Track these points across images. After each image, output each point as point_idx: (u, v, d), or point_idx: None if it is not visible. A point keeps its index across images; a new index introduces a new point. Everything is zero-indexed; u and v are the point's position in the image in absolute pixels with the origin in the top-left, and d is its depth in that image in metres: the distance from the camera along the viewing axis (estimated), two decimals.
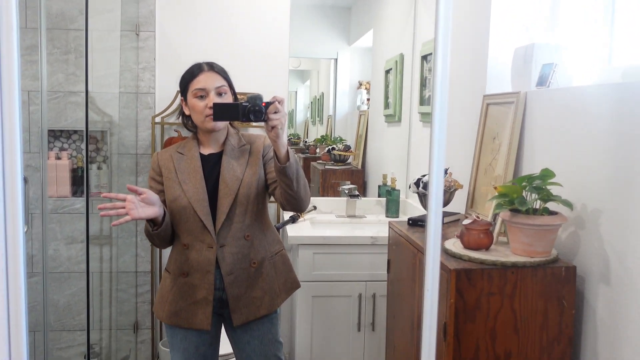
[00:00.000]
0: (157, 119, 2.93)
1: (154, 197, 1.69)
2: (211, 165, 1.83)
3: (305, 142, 4.35)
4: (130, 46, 2.89)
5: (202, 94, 1.76)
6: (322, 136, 4.18)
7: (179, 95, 1.87)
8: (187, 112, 1.85)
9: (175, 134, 2.92)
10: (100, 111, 2.93)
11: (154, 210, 1.68)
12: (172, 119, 2.91)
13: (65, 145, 2.98)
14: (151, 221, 1.73)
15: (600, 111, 1.48)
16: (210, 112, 1.74)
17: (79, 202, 2.90)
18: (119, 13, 2.87)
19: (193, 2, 2.94)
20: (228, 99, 1.81)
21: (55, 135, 2.96)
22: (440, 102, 0.95)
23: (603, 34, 1.86)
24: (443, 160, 0.97)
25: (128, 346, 2.99)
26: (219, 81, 1.79)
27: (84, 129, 2.35)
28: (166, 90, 2.91)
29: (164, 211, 1.75)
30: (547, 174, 1.51)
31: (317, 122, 4.36)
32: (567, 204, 1.51)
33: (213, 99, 1.75)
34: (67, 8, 2.86)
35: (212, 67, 1.82)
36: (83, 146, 2.94)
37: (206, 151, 1.86)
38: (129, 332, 2.98)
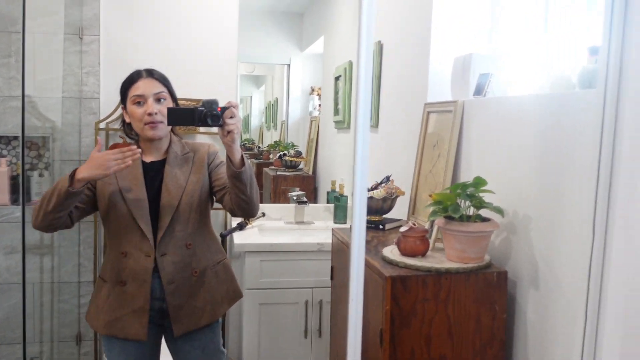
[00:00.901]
0: (102, 125, 2.87)
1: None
2: (153, 173, 1.81)
3: (259, 147, 4.34)
4: (74, 50, 2.82)
5: (140, 100, 1.74)
6: (275, 142, 4.18)
7: None
8: (127, 120, 1.83)
9: (120, 140, 2.86)
10: (42, 116, 2.85)
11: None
12: (117, 125, 2.85)
13: (5, 152, 2.89)
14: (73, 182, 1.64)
15: (530, 120, 1.52)
16: (149, 119, 1.73)
17: (19, 211, 2.80)
18: (62, 15, 2.80)
19: (139, 6, 2.89)
20: (167, 105, 1.78)
21: None
22: (363, 115, 0.96)
23: (538, 46, 1.92)
24: (366, 176, 0.98)
25: (71, 358, 2.91)
26: (158, 87, 1.77)
27: (21, 135, 2.28)
28: (111, 96, 2.85)
29: (85, 192, 1.72)
30: (479, 182, 1.55)
31: (272, 127, 4.36)
32: (499, 210, 1.54)
33: (151, 105, 1.73)
34: (8, 10, 2.77)
35: (151, 73, 1.80)
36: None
37: (148, 159, 1.83)
38: (71, 344, 2.90)
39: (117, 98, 2.80)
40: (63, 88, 2.83)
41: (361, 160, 0.96)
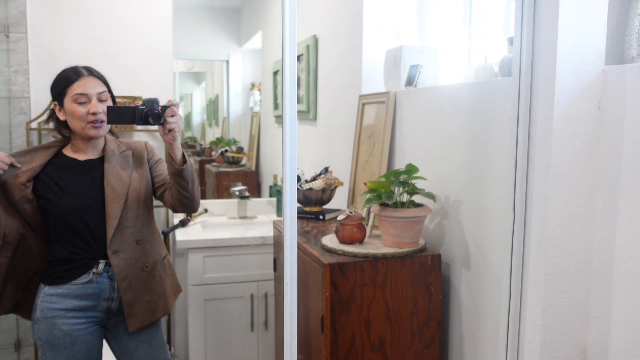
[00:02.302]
0: (33, 125, 2.79)
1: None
2: (92, 171, 1.78)
3: (201, 145, 4.31)
4: (0, 48, 2.72)
5: (84, 100, 1.70)
6: (217, 138, 4.15)
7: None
8: (62, 118, 1.78)
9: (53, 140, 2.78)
10: None
11: None
12: (51, 125, 2.77)
13: None
14: None
15: (457, 108, 1.59)
16: (94, 118, 1.70)
17: None
18: None
19: (67, 2, 2.81)
20: (108, 104, 1.76)
21: None
22: (289, 106, 0.99)
23: (463, 38, 2.01)
24: (295, 163, 1.01)
25: None
26: (100, 87, 1.74)
27: None
28: (42, 95, 2.76)
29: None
30: (411, 169, 1.61)
31: (214, 124, 4.33)
32: (431, 196, 1.61)
33: (95, 105, 1.70)
34: None
35: (91, 71, 1.76)
36: None
37: (83, 157, 1.80)
38: (10, 351, 2.81)
39: (49, 97, 2.74)
40: None
41: (290, 143, 0.99)
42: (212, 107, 4.35)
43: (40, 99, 2.78)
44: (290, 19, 0.93)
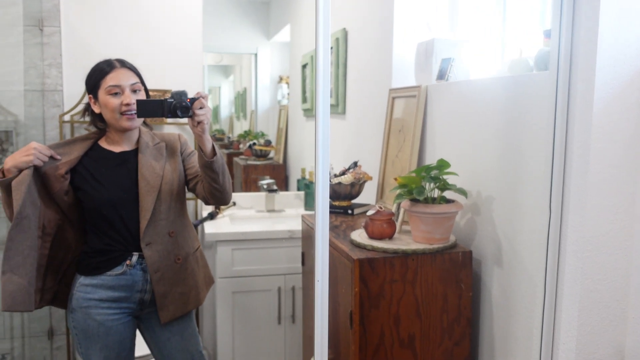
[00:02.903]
0: (66, 117, 2.83)
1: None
2: (126, 163, 1.80)
3: (229, 137, 4.33)
4: (34, 42, 2.76)
5: (117, 91, 1.72)
6: (245, 131, 4.17)
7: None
8: (97, 111, 1.80)
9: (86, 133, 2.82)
10: (4, 110, 2.79)
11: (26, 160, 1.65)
12: (86, 118, 2.81)
13: None
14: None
15: (490, 103, 1.56)
16: (127, 109, 1.72)
17: None
18: (20, 7, 2.74)
19: None
20: (142, 96, 1.77)
21: None
22: (322, 99, 0.98)
23: (496, 31, 1.97)
24: (328, 157, 1.00)
25: (43, 354, 2.88)
26: (133, 78, 1.76)
27: None
28: (75, 88, 2.81)
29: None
30: (443, 164, 1.59)
31: (242, 117, 4.35)
32: (462, 192, 1.58)
33: (129, 96, 1.72)
34: None
35: (124, 63, 1.78)
36: None
37: (118, 149, 1.82)
38: (43, 339, 2.87)
39: (81, 90, 2.78)
40: (25, 81, 2.77)
41: (322, 138, 0.98)
42: (240, 100, 4.37)
43: (73, 92, 2.82)
44: (325, 14, 0.91)
